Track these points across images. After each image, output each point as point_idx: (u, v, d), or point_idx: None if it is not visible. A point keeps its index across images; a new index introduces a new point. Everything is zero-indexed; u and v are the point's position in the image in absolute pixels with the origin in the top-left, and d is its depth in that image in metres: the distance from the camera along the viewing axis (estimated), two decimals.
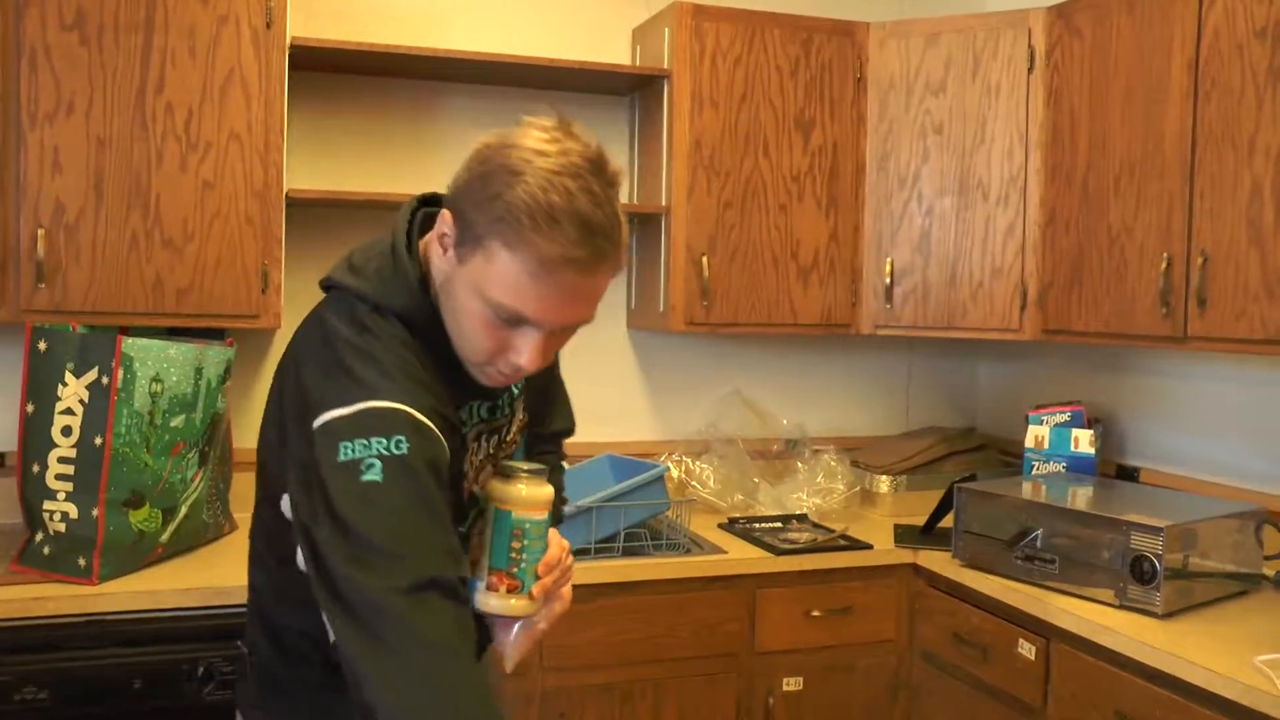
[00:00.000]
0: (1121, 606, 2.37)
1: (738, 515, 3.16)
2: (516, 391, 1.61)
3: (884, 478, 3.33)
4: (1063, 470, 2.99)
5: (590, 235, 1.27)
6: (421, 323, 1.40)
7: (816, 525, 3.10)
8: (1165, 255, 2.54)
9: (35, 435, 2.35)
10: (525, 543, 1.44)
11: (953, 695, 2.77)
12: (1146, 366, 3.10)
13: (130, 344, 2.33)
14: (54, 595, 2.28)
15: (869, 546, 2.91)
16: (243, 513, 2.92)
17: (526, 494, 1.45)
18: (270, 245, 2.66)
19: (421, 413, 1.29)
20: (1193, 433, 2.96)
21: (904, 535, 3.01)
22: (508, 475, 1.46)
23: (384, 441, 1.25)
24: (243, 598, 2.38)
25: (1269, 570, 2.58)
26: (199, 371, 2.47)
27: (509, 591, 1.45)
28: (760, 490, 3.27)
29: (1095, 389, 3.26)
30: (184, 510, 2.53)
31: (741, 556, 2.80)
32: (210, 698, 2.36)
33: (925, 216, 3.14)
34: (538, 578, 1.47)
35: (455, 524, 1.46)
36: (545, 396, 1.78)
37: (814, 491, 3.23)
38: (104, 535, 2.34)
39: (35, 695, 2.24)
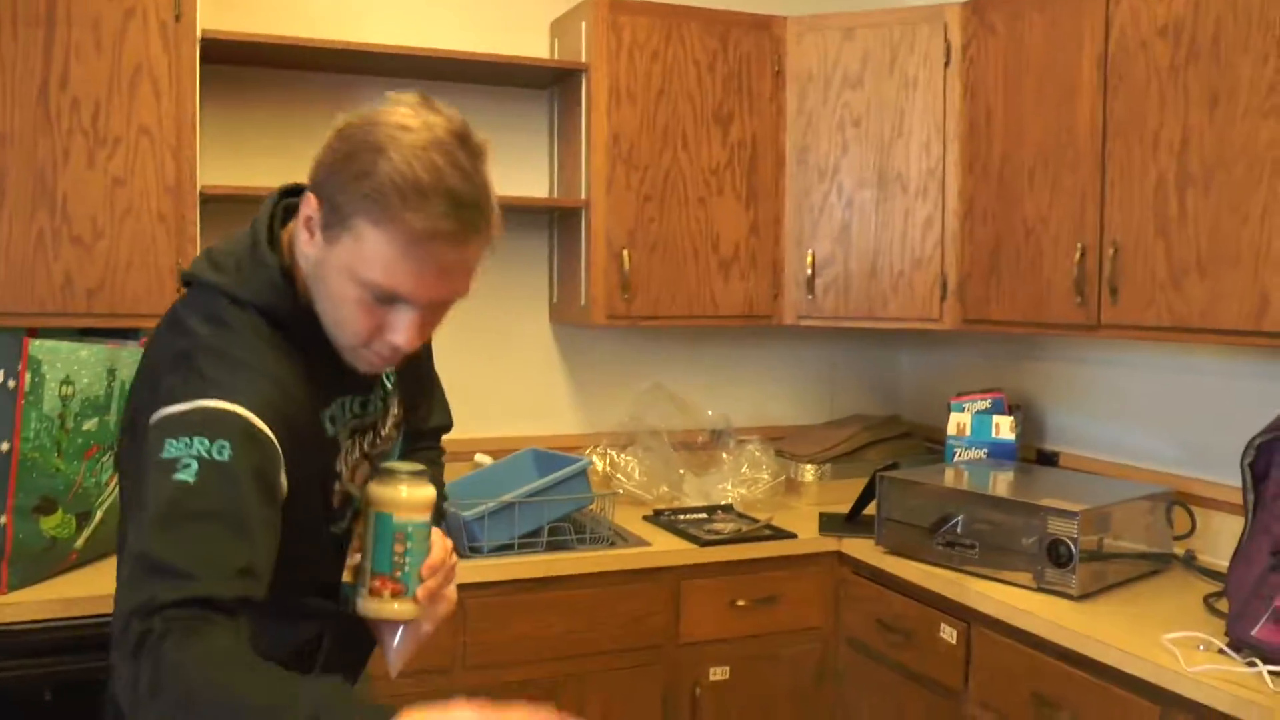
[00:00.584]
0: (1039, 589, 2.42)
1: (663, 507, 3.17)
2: (390, 386, 1.57)
3: (809, 466, 3.36)
4: (984, 456, 3.04)
5: (459, 208, 1.25)
6: (285, 316, 1.37)
7: (741, 515, 3.12)
8: (1079, 245, 2.59)
9: None
10: (409, 545, 1.42)
11: (878, 680, 2.81)
12: (1063, 354, 3.17)
13: (38, 345, 2.26)
14: None
15: (793, 535, 2.94)
16: None
17: (407, 497, 1.42)
18: (184, 243, 2.60)
19: (263, 416, 1.24)
20: (1107, 418, 3.03)
21: (828, 523, 3.04)
22: (387, 478, 1.44)
23: (206, 444, 1.19)
24: None
25: (1179, 550, 2.65)
26: (112, 373, 2.42)
27: (393, 596, 1.43)
28: (685, 481, 3.28)
29: (1015, 376, 3.32)
30: (99, 515, 2.47)
31: (666, 548, 2.81)
32: None
33: (846, 209, 3.17)
34: (421, 580, 1.44)
35: (327, 524, 1.46)
36: (419, 387, 1.74)
37: (739, 482, 3.25)
38: (12, 543, 2.27)
39: None
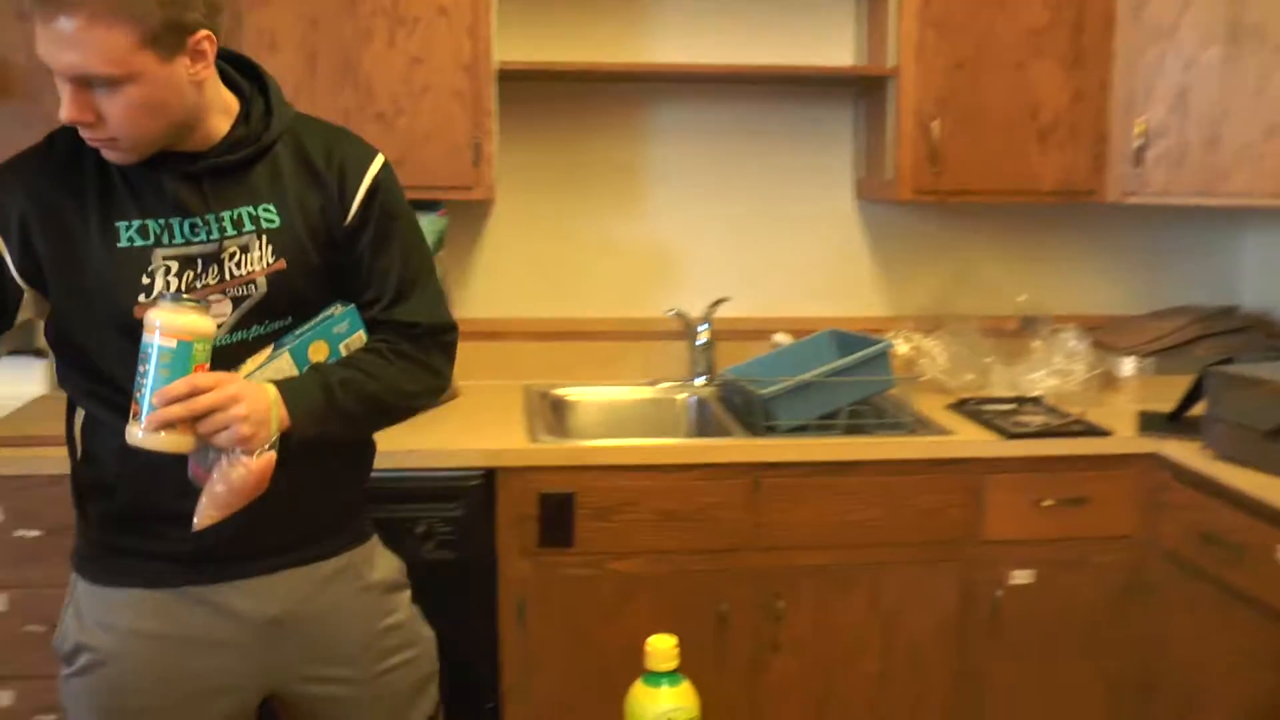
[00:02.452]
0: None
1: (968, 396, 3.00)
2: (251, 224, 1.50)
3: (1129, 360, 3.08)
4: None
5: None
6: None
7: (1052, 409, 2.90)
8: None
9: None
10: (146, 368, 1.36)
11: (1197, 599, 2.56)
12: None
13: None
14: None
15: (1108, 434, 2.71)
16: (464, 380, 3.02)
17: (153, 317, 1.37)
18: (480, 118, 2.65)
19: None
20: None
21: (1149, 423, 2.78)
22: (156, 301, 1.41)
23: None
24: (463, 461, 2.45)
25: None
26: None
27: (133, 418, 1.37)
28: (993, 370, 3.09)
29: None
30: None
31: (969, 439, 2.66)
32: (429, 555, 2.44)
33: (1185, 70, 2.82)
34: (155, 408, 1.36)
35: (131, 339, 1.39)
36: (373, 271, 1.60)
37: (1051, 373, 3.02)
38: None
39: None
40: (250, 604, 1.58)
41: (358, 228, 1.57)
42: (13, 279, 1.46)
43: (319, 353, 1.54)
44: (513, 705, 2.55)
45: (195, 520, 1.41)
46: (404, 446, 2.42)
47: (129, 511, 1.55)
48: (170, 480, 1.45)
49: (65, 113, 1.35)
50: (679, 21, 3.10)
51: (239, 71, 1.57)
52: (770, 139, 3.19)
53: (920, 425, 2.73)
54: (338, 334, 1.55)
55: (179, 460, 1.42)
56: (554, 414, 2.90)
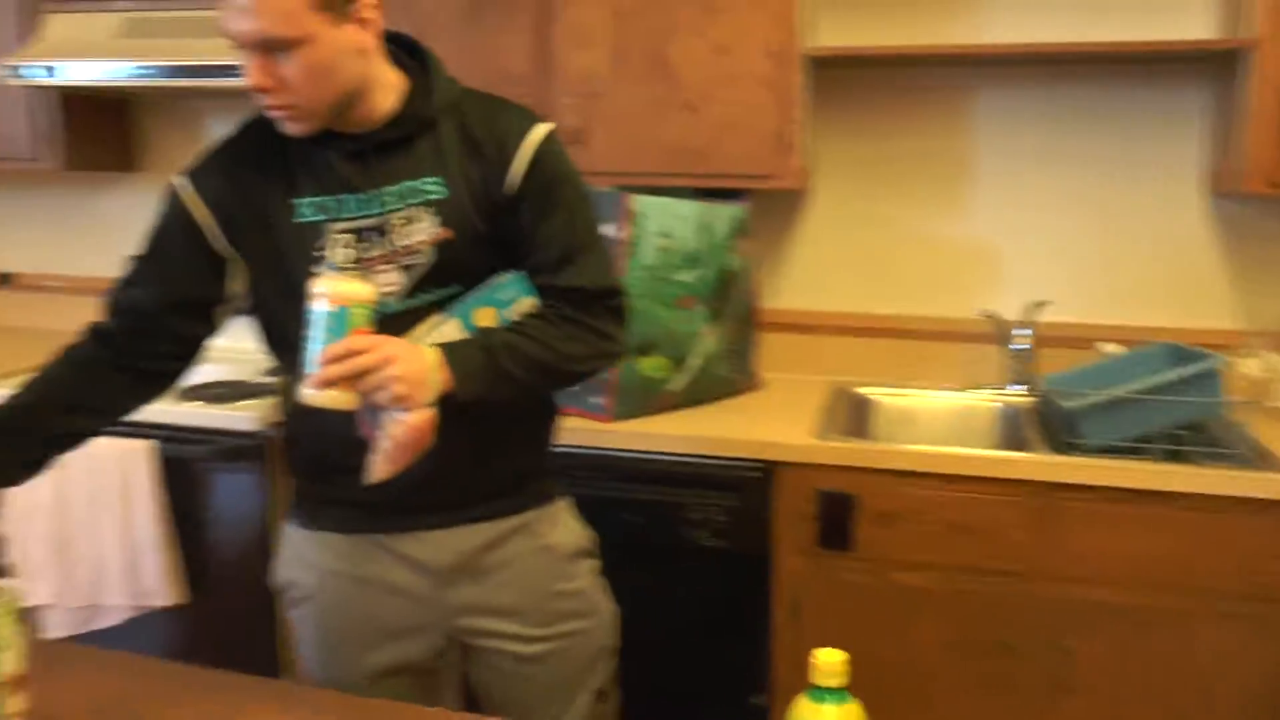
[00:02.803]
0: None
1: None
2: (416, 196, 1.58)
3: None
4: None
5: None
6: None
7: None
8: None
9: None
10: (310, 332, 1.46)
11: None
12: None
13: (638, 200, 2.41)
14: (572, 427, 2.48)
15: None
16: (769, 372, 3.01)
17: (316, 285, 1.47)
18: (787, 106, 2.60)
19: (194, 185, 1.62)
20: None
21: None
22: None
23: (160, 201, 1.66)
24: (743, 451, 2.44)
25: None
26: (706, 228, 2.51)
27: (299, 380, 1.48)
28: None
29: None
30: (696, 362, 2.61)
31: None
32: (703, 543, 2.47)
33: None
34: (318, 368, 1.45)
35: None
36: (536, 234, 1.63)
37: None
38: (617, 378, 2.49)
39: None
40: (426, 554, 1.69)
41: (520, 196, 1.61)
42: (219, 250, 1.64)
43: (486, 318, 1.60)
44: (780, 703, 2.52)
45: (367, 474, 1.52)
46: (684, 432, 2.46)
47: (313, 464, 1.71)
48: (341, 436, 1.57)
49: (249, 79, 1.49)
50: None
51: (406, 53, 1.67)
52: (1106, 126, 2.88)
53: (1258, 458, 2.39)
54: (505, 300, 1.61)
55: (349, 417, 1.54)
56: (853, 413, 2.81)
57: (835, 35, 2.91)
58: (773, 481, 2.47)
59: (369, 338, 1.47)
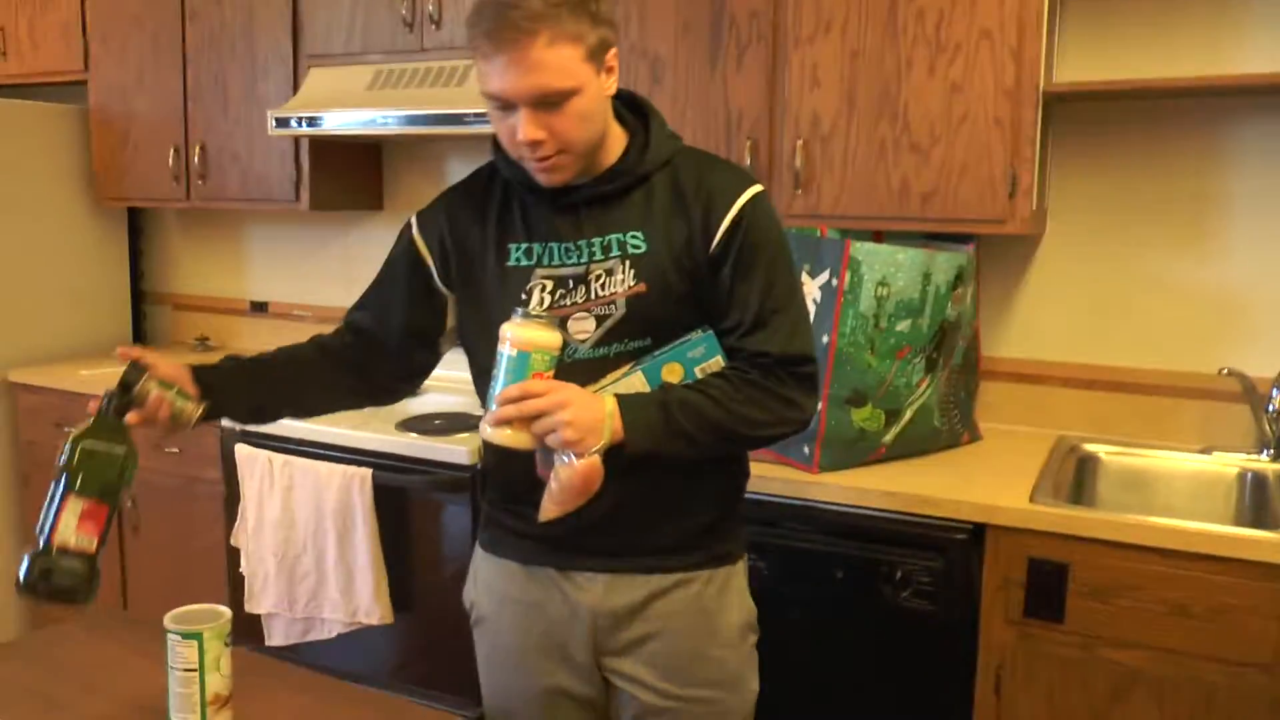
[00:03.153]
0: None
1: None
2: (618, 249, 1.62)
3: None
4: None
5: (493, 7, 1.48)
6: (499, 169, 1.72)
7: None
8: None
9: None
10: (496, 374, 1.54)
11: None
12: None
13: (858, 248, 2.38)
14: (777, 476, 2.47)
15: None
16: (991, 423, 2.90)
17: (504, 329, 1.53)
18: (1020, 146, 2.50)
19: (419, 226, 1.77)
20: None
21: None
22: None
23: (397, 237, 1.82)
24: (952, 512, 2.37)
25: None
26: (927, 277, 2.45)
27: (483, 419, 1.55)
28: None
29: None
30: (909, 414, 2.55)
31: None
32: (905, 604, 2.39)
33: None
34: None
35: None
36: (731, 287, 1.63)
37: None
38: (825, 428, 2.45)
39: (755, 562, 2.46)
40: (594, 595, 1.72)
41: (721, 256, 1.62)
42: (438, 286, 1.74)
43: (673, 374, 1.61)
44: None
45: (539, 513, 1.56)
46: (892, 487, 2.40)
47: (500, 494, 1.78)
48: (524, 472, 1.62)
49: (525, 133, 1.53)
50: (1272, 23, 2.64)
51: (627, 108, 1.70)
52: None
53: None
54: (693, 358, 1.61)
55: (529, 456, 1.58)
56: (1075, 472, 2.67)
57: (1075, 68, 2.78)
58: (982, 544, 2.38)
59: (546, 382, 1.52)
